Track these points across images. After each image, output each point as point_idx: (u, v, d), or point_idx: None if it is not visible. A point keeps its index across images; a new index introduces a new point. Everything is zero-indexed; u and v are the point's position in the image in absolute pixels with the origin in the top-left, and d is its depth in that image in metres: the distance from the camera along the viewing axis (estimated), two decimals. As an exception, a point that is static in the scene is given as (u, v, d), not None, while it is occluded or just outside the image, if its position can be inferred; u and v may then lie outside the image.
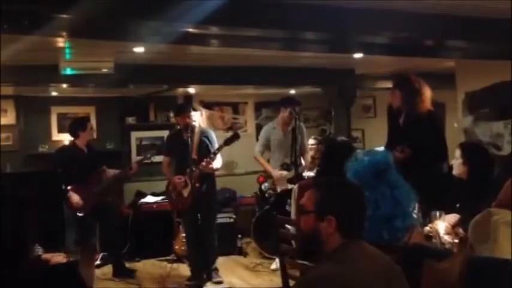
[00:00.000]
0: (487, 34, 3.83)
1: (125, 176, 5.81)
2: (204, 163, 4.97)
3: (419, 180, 2.56)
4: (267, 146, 5.96)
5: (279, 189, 5.73)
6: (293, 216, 3.58)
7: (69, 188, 5.30)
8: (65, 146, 5.90)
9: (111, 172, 5.62)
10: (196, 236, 5.18)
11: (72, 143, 5.62)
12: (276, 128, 5.89)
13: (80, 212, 5.33)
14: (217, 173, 5.44)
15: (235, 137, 5.02)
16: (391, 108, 4.48)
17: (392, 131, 4.41)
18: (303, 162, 5.87)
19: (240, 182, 7.74)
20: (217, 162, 5.13)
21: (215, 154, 5.03)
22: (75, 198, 5.30)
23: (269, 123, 6.15)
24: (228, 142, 4.99)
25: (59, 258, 2.71)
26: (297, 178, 5.32)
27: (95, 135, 5.68)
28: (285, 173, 5.70)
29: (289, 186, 5.54)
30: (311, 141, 6.42)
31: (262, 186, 6.02)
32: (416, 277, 2.28)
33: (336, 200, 1.90)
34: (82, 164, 5.42)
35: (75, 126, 5.59)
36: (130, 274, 5.76)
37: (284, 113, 5.75)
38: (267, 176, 5.92)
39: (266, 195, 5.95)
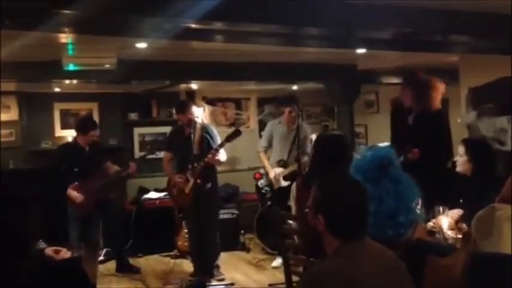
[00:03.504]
0: (490, 29, 3.82)
1: (122, 174, 5.78)
2: (210, 155, 4.97)
3: (423, 177, 2.55)
4: (270, 142, 5.97)
5: (275, 187, 5.75)
6: (294, 212, 3.58)
7: (69, 186, 5.32)
8: (66, 143, 5.92)
9: (114, 168, 5.62)
10: (199, 232, 5.19)
11: (74, 140, 5.63)
12: (282, 123, 5.92)
13: (82, 210, 5.35)
14: (219, 168, 5.44)
15: (236, 134, 5.00)
16: (397, 106, 4.44)
17: (399, 130, 4.36)
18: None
19: (243, 178, 7.74)
20: (222, 156, 5.14)
21: (217, 150, 5.02)
22: (74, 194, 5.31)
23: (276, 119, 6.17)
24: (229, 139, 4.98)
25: (65, 254, 2.71)
26: (297, 175, 5.32)
27: (95, 139, 5.64)
28: (279, 170, 5.72)
29: (285, 183, 5.58)
30: (314, 137, 6.42)
31: (259, 183, 6.04)
32: (420, 273, 2.28)
33: (325, 200, 1.93)
34: (82, 162, 5.43)
35: (78, 126, 5.61)
36: (134, 270, 5.78)
37: (285, 113, 5.80)
38: (264, 173, 5.94)
39: (262, 191, 5.97)
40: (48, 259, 2.61)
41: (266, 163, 5.91)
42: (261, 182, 6.00)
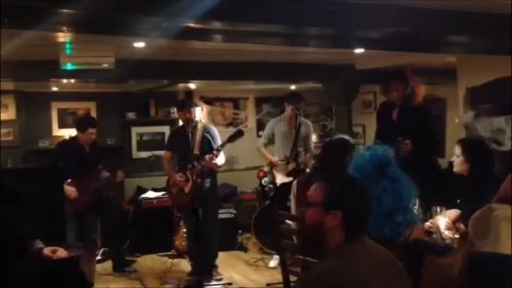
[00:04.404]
0: (488, 29, 3.82)
1: (112, 181, 5.77)
2: (207, 158, 4.97)
3: (418, 175, 2.55)
4: (271, 139, 6.00)
5: (278, 183, 5.76)
6: (293, 211, 3.58)
7: (65, 182, 5.32)
8: (66, 140, 5.91)
9: (104, 174, 5.60)
10: (197, 232, 5.19)
11: (74, 138, 5.63)
12: (282, 121, 5.95)
13: (75, 207, 5.34)
14: (217, 168, 5.44)
15: (239, 134, 5.01)
16: (383, 104, 4.63)
17: (384, 126, 4.49)
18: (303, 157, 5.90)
19: (241, 178, 7.75)
20: (220, 159, 5.13)
21: (218, 150, 5.03)
22: (69, 189, 5.31)
23: (276, 117, 6.20)
24: (231, 139, 4.99)
25: (62, 254, 2.71)
26: (297, 172, 5.34)
27: (94, 137, 5.63)
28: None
29: (287, 179, 5.58)
30: (315, 138, 6.42)
31: (263, 181, 6.04)
32: (417, 273, 2.28)
33: (345, 195, 1.89)
34: (80, 160, 5.44)
35: (77, 124, 5.62)
36: (129, 264, 5.78)
37: (288, 109, 5.80)
38: (267, 171, 5.95)
39: (266, 189, 5.97)
40: (46, 259, 2.61)
41: (268, 154, 5.95)
42: (265, 180, 6.01)
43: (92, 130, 5.55)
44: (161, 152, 5.75)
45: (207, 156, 4.98)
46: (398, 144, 3.94)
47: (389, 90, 4.44)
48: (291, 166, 5.65)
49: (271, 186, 5.90)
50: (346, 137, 3.59)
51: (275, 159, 5.84)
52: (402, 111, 4.37)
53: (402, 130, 4.19)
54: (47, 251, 2.66)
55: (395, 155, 2.53)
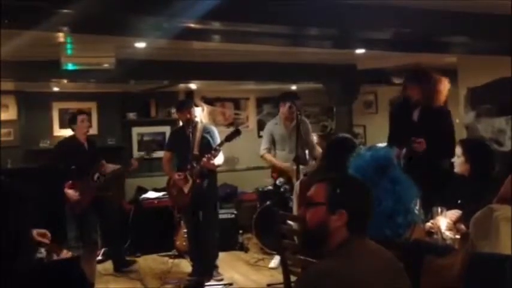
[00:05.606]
0: (488, 30, 3.82)
1: (123, 172, 5.79)
2: (205, 159, 4.97)
3: (422, 176, 2.55)
4: (272, 142, 5.91)
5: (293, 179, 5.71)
6: (295, 212, 3.58)
7: (65, 185, 5.31)
8: (65, 139, 5.92)
9: (110, 167, 5.62)
10: (197, 232, 5.19)
11: (73, 136, 5.63)
12: (279, 124, 5.86)
13: (78, 208, 5.34)
14: (218, 168, 5.44)
15: (236, 133, 5.01)
16: (399, 102, 4.43)
17: (402, 125, 4.32)
18: (307, 157, 5.86)
19: (241, 178, 7.75)
20: (218, 159, 5.13)
21: (216, 150, 5.03)
22: (69, 192, 5.30)
23: (272, 119, 6.14)
24: (229, 138, 4.99)
25: (65, 254, 2.70)
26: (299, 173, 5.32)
27: (88, 128, 5.62)
28: (301, 166, 5.68)
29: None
30: (315, 139, 6.38)
31: (277, 181, 5.96)
32: (418, 273, 2.28)
33: (350, 195, 1.89)
34: (81, 157, 5.43)
35: (69, 120, 5.64)
36: (130, 265, 5.78)
37: (283, 108, 5.74)
38: (279, 172, 5.86)
39: (282, 189, 5.88)
40: (46, 259, 2.60)
41: (275, 161, 5.81)
42: (280, 180, 5.94)
43: (82, 117, 5.52)
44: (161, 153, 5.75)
45: (205, 158, 4.97)
46: (412, 144, 3.86)
47: (409, 91, 4.22)
48: (305, 168, 5.58)
49: (286, 186, 5.79)
50: (349, 135, 3.57)
51: (283, 164, 5.73)
52: (424, 113, 4.15)
53: (424, 132, 3.98)
54: (35, 234, 2.58)
55: (407, 154, 2.50)
